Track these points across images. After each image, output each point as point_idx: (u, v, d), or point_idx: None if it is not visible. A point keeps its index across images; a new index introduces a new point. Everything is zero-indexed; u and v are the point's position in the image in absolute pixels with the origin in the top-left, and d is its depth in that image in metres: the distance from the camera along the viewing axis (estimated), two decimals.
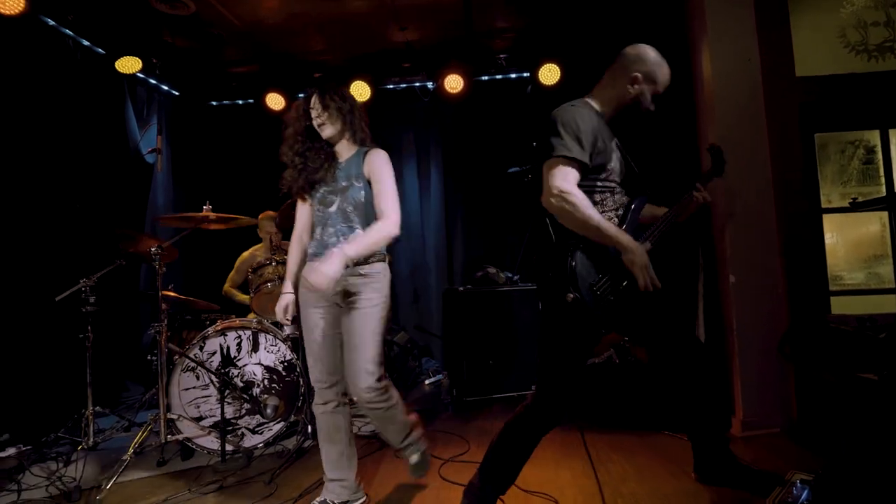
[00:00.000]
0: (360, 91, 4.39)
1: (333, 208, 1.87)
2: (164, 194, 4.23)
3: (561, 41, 4.22)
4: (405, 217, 4.70)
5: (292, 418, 2.75)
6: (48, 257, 3.11)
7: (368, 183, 1.88)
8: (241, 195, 4.35)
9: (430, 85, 4.66)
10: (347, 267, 1.71)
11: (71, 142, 3.40)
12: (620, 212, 1.74)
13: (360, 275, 1.83)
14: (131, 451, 2.29)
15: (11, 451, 2.70)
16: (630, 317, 1.67)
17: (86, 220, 3.21)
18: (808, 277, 2.68)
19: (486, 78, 4.68)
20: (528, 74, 4.37)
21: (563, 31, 4.17)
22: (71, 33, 3.43)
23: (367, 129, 1.96)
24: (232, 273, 3.66)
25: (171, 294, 3.15)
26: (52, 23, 3.30)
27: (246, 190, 4.50)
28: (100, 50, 3.60)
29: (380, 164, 1.89)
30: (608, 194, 1.72)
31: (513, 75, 4.68)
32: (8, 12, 2.83)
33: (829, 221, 2.80)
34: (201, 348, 2.65)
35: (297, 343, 2.84)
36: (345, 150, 1.95)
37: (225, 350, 2.68)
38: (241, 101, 4.77)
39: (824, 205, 2.80)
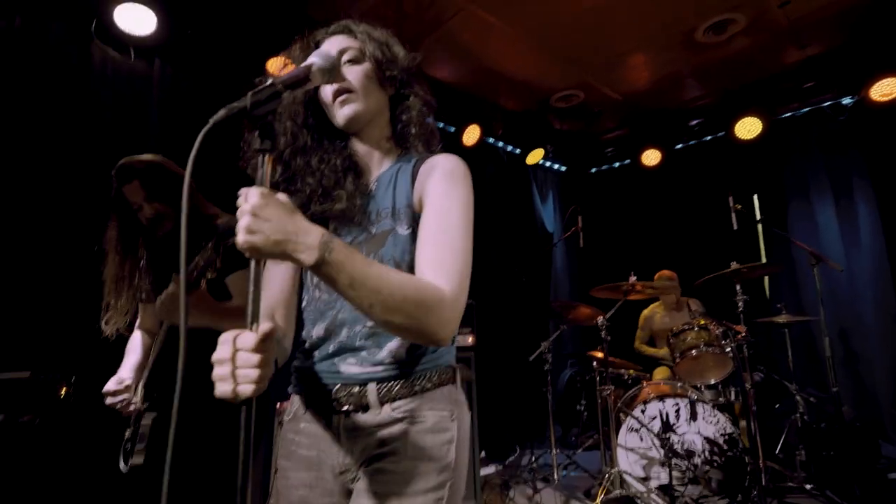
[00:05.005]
0: (750, 127, 4.03)
1: None
2: (560, 260, 4.88)
3: None
4: (827, 274, 3.66)
5: (739, 498, 2.59)
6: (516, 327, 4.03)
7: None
8: (626, 256, 4.53)
9: (845, 101, 3.87)
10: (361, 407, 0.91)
11: (495, 224, 4.37)
12: None
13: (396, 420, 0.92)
14: (599, 501, 2.61)
15: (491, 468, 3.52)
16: None
17: (527, 290, 4.00)
18: None
19: None
20: None
21: None
22: (501, 144, 4.49)
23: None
24: (638, 332, 3.89)
25: (600, 355, 3.53)
26: (490, 140, 4.43)
27: (631, 250, 4.66)
28: (517, 150, 4.55)
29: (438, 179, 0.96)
30: None
31: None
32: (469, 143, 3.94)
33: None
34: (643, 411, 2.83)
35: (733, 413, 2.69)
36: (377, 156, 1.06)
37: (664, 416, 2.78)
38: (616, 164, 5.13)
39: None
